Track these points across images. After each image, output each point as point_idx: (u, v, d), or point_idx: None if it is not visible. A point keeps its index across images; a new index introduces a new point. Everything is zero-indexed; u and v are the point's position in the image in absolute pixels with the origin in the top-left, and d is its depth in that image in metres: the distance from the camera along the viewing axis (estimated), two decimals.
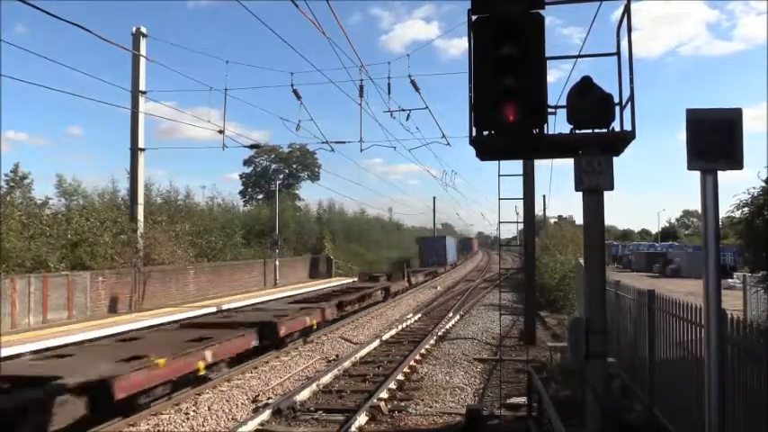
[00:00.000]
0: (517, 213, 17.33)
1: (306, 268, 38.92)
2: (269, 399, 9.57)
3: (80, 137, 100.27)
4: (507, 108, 4.75)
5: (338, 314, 17.90)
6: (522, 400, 8.44)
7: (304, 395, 9.50)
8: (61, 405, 6.89)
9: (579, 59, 6.47)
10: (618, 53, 5.06)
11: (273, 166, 63.71)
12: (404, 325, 17.73)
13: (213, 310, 18.72)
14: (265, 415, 8.41)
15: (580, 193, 5.06)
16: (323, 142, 20.75)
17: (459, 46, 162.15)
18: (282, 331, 12.98)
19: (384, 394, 9.46)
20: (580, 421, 6.20)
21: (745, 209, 7.80)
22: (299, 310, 15.38)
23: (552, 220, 59.99)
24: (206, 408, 9.12)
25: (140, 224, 23.48)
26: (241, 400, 9.67)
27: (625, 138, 4.88)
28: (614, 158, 5.00)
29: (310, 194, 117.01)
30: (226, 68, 28.03)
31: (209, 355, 9.89)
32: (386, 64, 36.75)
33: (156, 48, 45.69)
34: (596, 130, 4.93)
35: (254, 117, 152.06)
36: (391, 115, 19.20)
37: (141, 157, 23.57)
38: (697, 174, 3.90)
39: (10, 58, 21.93)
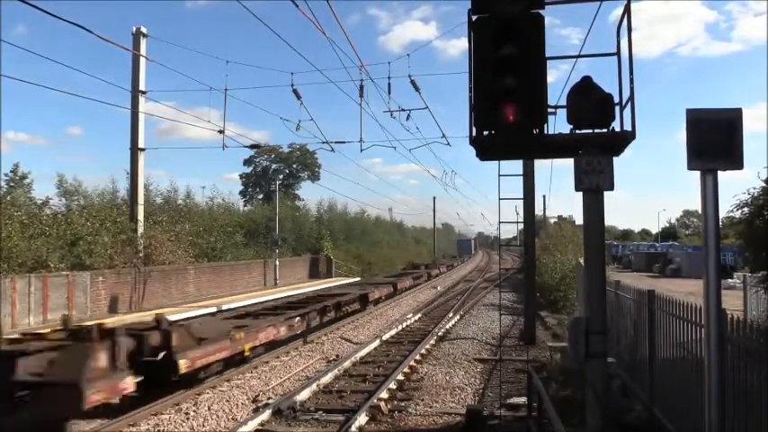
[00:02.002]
0: (517, 213, 17.35)
1: (306, 268, 38.90)
2: (269, 399, 9.57)
3: (80, 137, 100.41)
4: (507, 108, 4.76)
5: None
6: (522, 400, 8.44)
7: (304, 395, 9.50)
8: None
9: (578, 60, 6.49)
10: (618, 53, 5.06)
11: (273, 166, 63.71)
12: (404, 325, 17.73)
13: (214, 310, 18.71)
14: (265, 415, 8.41)
15: (580, 193, 5.07)
16: (323, 142, 20.78)
17: (458, 46, 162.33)
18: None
19: (384, 394, 9.46)
20: (580, 421, 6.20)
21: (745, 209, 7.79)
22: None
23: (552, 220, 59.98)
24: (206, 408, 9.12)
25: (140, 224, 23.49)
26: (241, 400, 9.67)
27: (625, 138, 4.89)
28: (614, 158, 5.00)
29: (310, 194, 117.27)
30: (226, 68, 28.19)
31: None
32: (386, 64, 36.87)
33: (156, 48, 45.74)
34: (596, 130, 4.94)
35: (254, 117, 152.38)
36: (391, 115, 19.23)
37: (141, 157, 23.57)
38: (697, 174, 3.90)
39: (10, 58, 21.91)
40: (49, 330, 9.27)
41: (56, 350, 7.83)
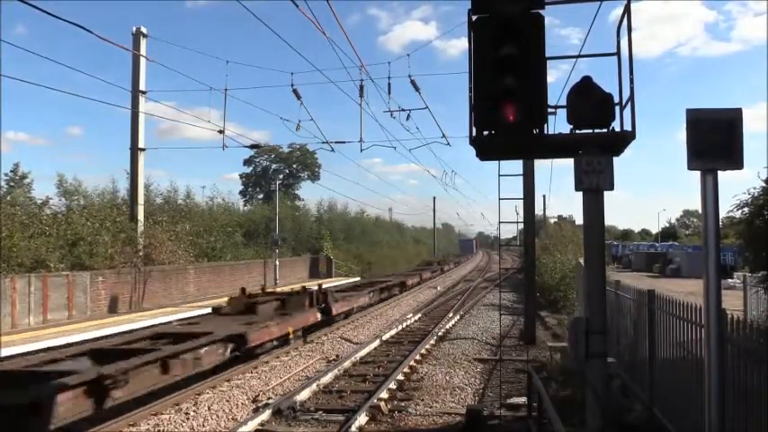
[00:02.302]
0: (517, 213, 17.32)
1: (306, 268, 38.89)
2: (269, 399, 9.57)
3: (80, 137, 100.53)
4: (507, 108, 4.76)
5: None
6: (522, 400, 8.44)
7: (304, 395, 9.50)
8: None
9: (578, 60, 6.49)
10: (618, 53, 5.06)
11: (273, 166, 63.72)
12: (404, 325, 17.73)
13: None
14: (265, 415, 8.41)
15: (580, 193, 5.07)
16: (323, 142, 20.83)
17: (458, 46, 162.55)
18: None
19: (384, 394, 9.46)
20: (580, 421, 6.20)
21: (745, 209, 7.79)
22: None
23: (552, 220, 60.00)
24: (206, 408, 9.11)
25: (140, 224, 23.48)
26: (241, 400, 9.67)
27: (625, 138, 4.89)
28: (614, 158, 5.00)
29: (310, 194, 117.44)
30: (226, 68, 28.23)
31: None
32: (386, 64, 36.98)
33: (156, 48, 45.73)
34: (596, 130, 4.94)
35: (254, 117, 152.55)
36: (391, 115, 19.28)
37: (141, 157, 23.58)
38: (697, 174, 3.90)
39: (10, 58, 21.96)
40: (257, 292, 16.31)
41: (279, 299, 15.22)
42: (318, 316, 15.32)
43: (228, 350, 10.69)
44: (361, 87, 18.13)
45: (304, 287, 16.25)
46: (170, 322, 15.78)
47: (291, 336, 13.26)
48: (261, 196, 60.32)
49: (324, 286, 17.50)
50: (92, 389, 7.21)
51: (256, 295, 15.53)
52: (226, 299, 15.61)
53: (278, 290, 18.17)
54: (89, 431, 7.60)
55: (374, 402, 8.86)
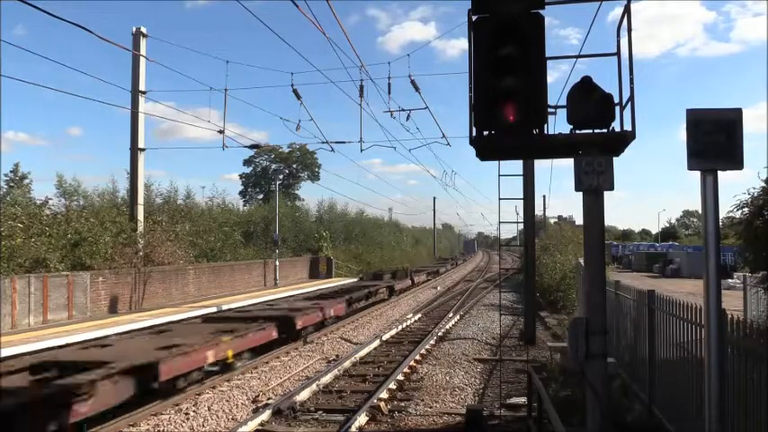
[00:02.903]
0: (517, 213, 17.36)
1: (306, 268, 38.85)
2: (269, 399, 9.58)
3: (80, 137, 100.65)
4: (507, 108, 4.75)
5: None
6: (522, 400, 8.45)
7: (304, 395, 9.51)
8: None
9: (578, 60, 6.49)
10: (618, 53, 5.06)
11: (273, 166, 63.67)
12: (404, 325, 17.73)
13: (213, 310, 18.72)
14: (265, 415, 8.41)
15: (580, 193, 5.06)
16: (323, 142, 20.83)
17: (458, 46, 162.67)
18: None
19: (384, 394, 9.46)
20: (580, 421, 6.20)
21: (745, 209, 7.80)
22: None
23: (552, 220, 60.04)
24: (206, 408, 9.12)
25: (140, 224, 23.47)
26: (241, 400, 9.68)
27: (625, 138, 4.88)
28: (614, 158, 5.00)
29: (310, 194, 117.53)
30: (226, 68, 28.22)
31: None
32: (385, 64, 37.09)
33: (156, 48, 45.75)
34: (596, 130, 4.93)
35: (254, 117, 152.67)
36: (391, 115, 19.30)
37: (141, 157, 23.57)
38: (697, 174, 3.90)
39: (10, 58, 21.99)
40: (378, 269, 34.71)
41: (392, 273, 30.86)
42: (409, 282, 29.70)
43: (387, 292, 24.91)
44: (361, 87, 18.17)
45: (404, 266, 34.48)
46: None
47: (402, 290, 27.75)
48: (260, 196, 60.28)
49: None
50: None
51: (380, 271, 31.21)
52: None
53: (384, 269, 33.94)
54: (90, 431, 7.60)
55: (374, 402, 8.87)
